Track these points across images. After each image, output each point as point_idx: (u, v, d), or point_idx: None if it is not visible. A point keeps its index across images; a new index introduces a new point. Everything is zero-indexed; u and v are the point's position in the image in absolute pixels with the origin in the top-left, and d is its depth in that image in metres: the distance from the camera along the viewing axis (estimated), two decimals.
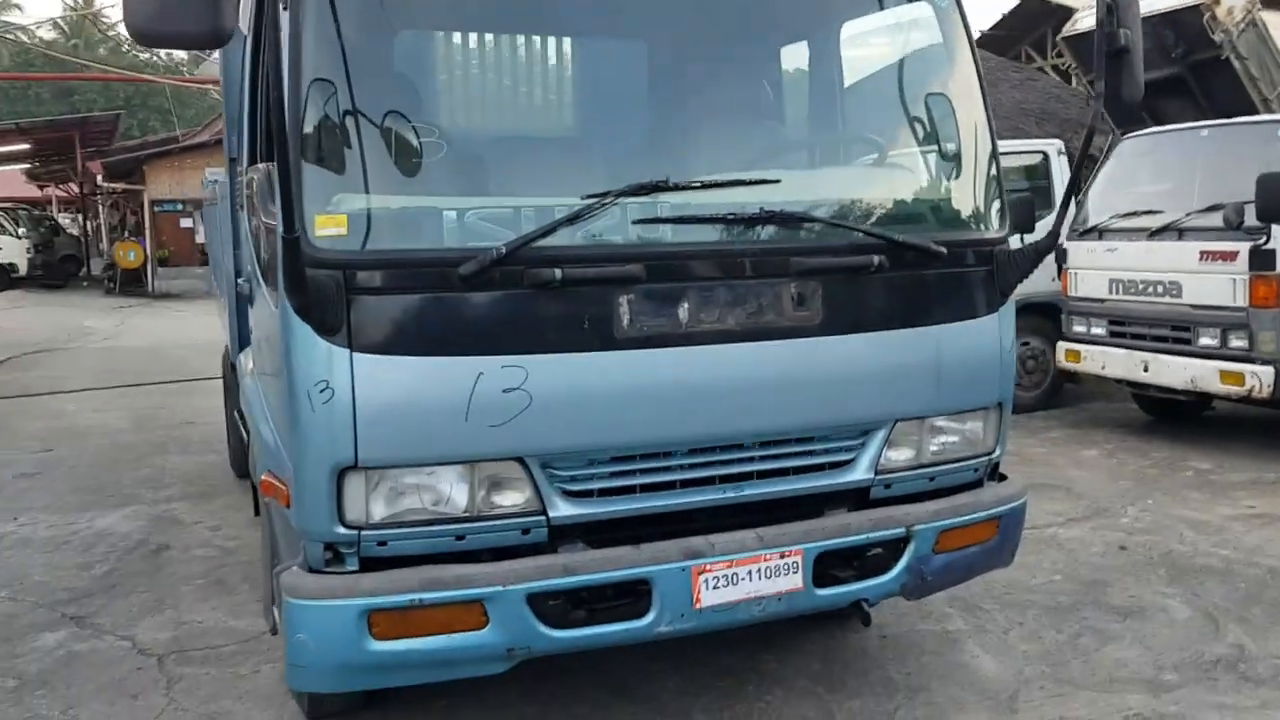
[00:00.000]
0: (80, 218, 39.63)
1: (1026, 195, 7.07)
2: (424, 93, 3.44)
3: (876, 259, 3.43)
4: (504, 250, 2.98)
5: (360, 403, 2.96)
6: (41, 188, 42.55)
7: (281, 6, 3.01)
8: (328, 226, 2.94)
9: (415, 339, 3.02)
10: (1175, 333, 8.02)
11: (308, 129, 2.95)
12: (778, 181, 3.43)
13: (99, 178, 33.11)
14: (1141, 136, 9.18)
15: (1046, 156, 9.86)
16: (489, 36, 3.89)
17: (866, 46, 4.12)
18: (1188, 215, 7.95)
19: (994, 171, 3.79)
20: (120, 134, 34.05)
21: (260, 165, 3.33)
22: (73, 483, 7.98)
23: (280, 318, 3.07)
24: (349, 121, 3.02)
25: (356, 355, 2.96)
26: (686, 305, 3.24)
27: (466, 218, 3.15)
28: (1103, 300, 8.62)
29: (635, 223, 3.23)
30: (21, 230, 33.07)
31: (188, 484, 7.83)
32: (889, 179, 3.92)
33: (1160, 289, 8.08)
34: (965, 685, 4.29)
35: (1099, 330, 8.69)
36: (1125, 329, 8.44)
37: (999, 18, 19.71)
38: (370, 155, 3.05)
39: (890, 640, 4.73)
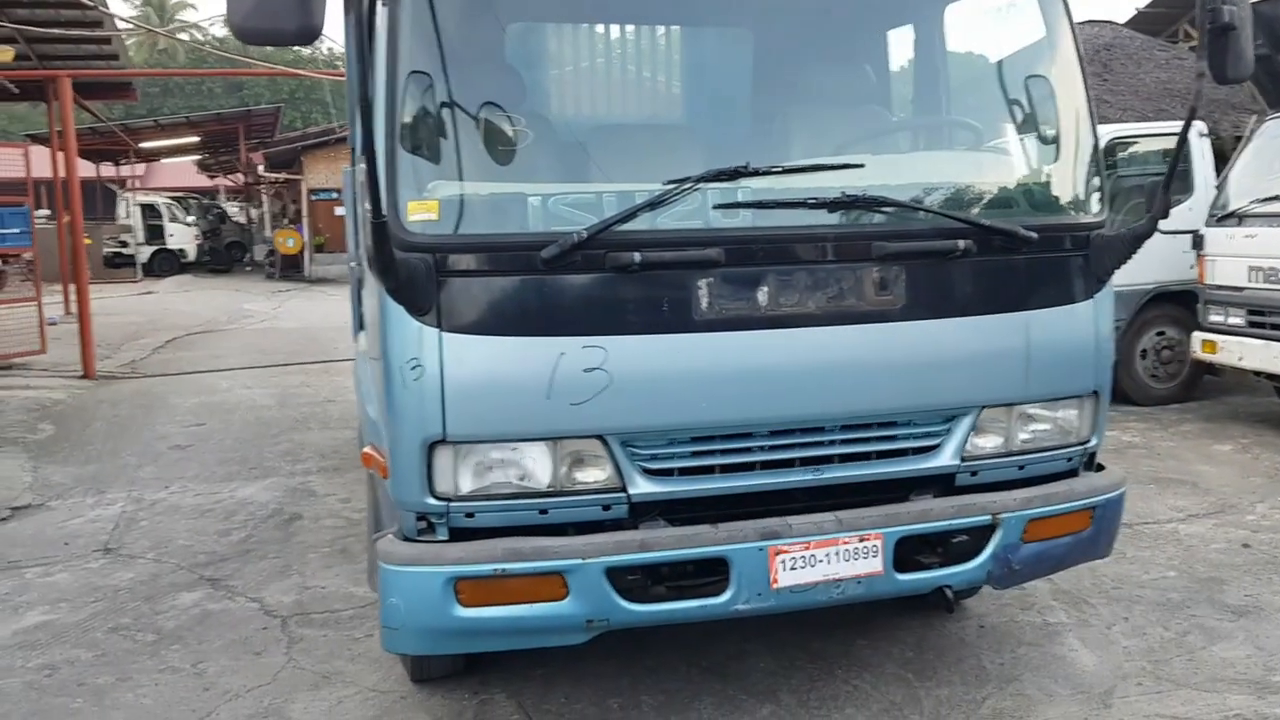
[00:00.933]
0: (245, 206, 41.60)
1: (1156, 180, 6.78)
2: (512, 82, 3.56)
3: (962, 244, 3.41)
4: (585, 234, 3.08)
5: (448, 380, 3.12)
6: (211, 178, 44.83)
7: (380, 3, 3.20)
8: (419, 212, 3.10)
9: (500, 319, 3.16)
10: None
11: (403, 119, 3.12)
12: (861, 166, 3.44)
13: (261, 168, 34.68)
14: None
15: (1188, 138, 9.44)
16: (578, 26, 3.99)
17: (965, 29, 4.08)
18: None
19: (1092, 156, 3.72)
20: (282, 126, 35.59)
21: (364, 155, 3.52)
22: (220, 455, 8.49)
23: (377, 299, 3.25)
24: (442, 112, 3.18)
25: (445, 335, 3.11)
26: (766, 289, 3.29)
27: (550, 203, 3.26)
28: (1241, 289, 8.24)
29: (715, 207, 3.29)
30: (191, 218, 35.05)
31: (323, 458, 8.25)
32: (981, 163, 3.89)
33: None
34: (1059, 678, 4.23)
35: (1237, 320, 8.30)
36: (1265, 319, 8.05)
37: None
38: (460, 143, 3.20)
39: (988, 630, 4.69)
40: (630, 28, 4.24)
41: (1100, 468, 3.93)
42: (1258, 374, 8.44)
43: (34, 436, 9.29)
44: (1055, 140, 3.77)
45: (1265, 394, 9.46)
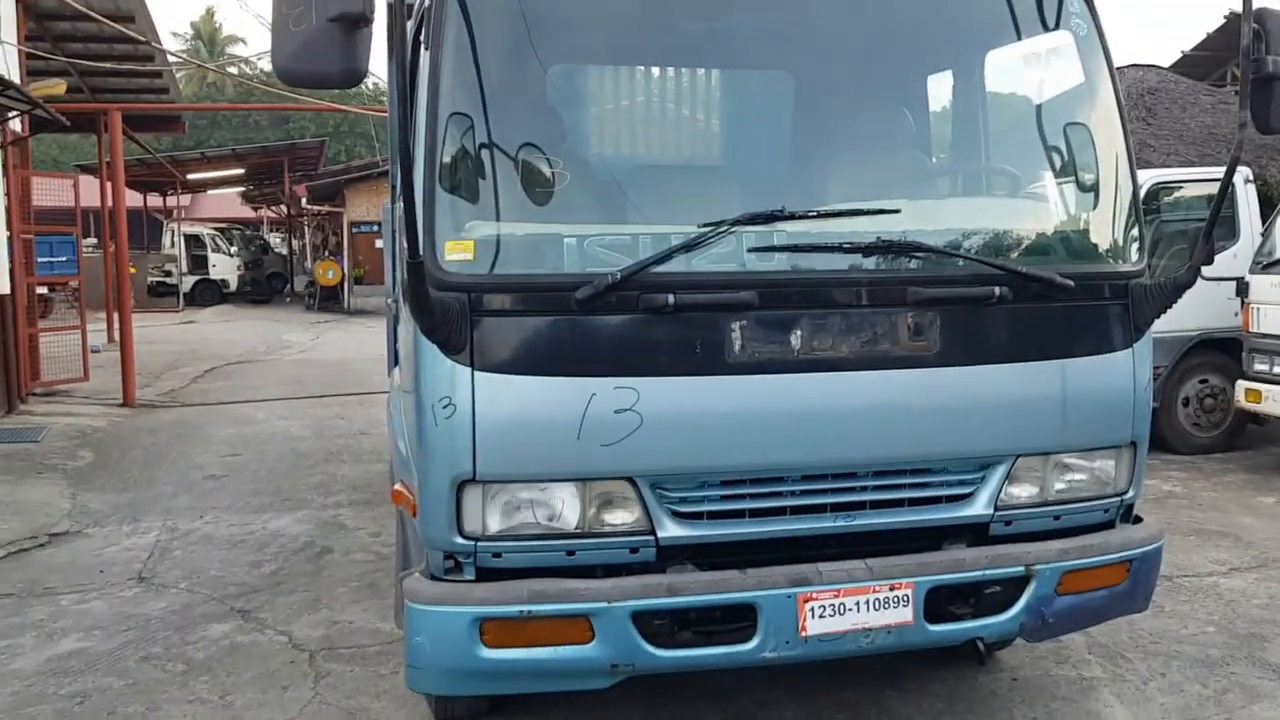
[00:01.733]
0: (287, 237, 42.16)
1: (1199, 228, 6.71)
2: (550, 123, 3.58)
3: (998, 290, 3.38)
4: (619, 276, 3.09)
5: (480, 419, 3.12)
6: (255, 209, 45.50)
7: (423, 47, 3.24)
8: (456, 252, 3.12)
9: (533, 359, 3.16)
10: None
11: (443, 159, 3.14)
12: (897, 211, 3.43)
13: (304, 200, 35.15)
14: None
15: (1233, 185, 9.35)
16: (618, 68, 4.02)
17: (1004, 75, 4.07)
18: None
19: (1131, 203, 3.68)
20: (326, 159, 36.10)
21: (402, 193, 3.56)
22: (254, 485, 8.55)
23: (411, 336, 3.27)
24: (481, 153, 3.21)
25: (478, 374, 3.11)
26: (800, 332, 3.28)
27: (586, 244, 3.27)
28: None
29: (750, 251, 3.28)
30: (234, 249, 35.54)
31: (355, 491, 8.28)
32: (1019, 209, 3.86)
33: None
34: None
35: None
36: None
37: (1202, 37, 18.84)
38: (498, 184, 3.23)
39: (1021, 683, 4.60)
40: (670, 70, 4.26)
41: (1138, 519, 3.86)
42: None
43: (73, 463, 9.40)
44: (1094, 187, 3.74)
45: None
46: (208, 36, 56.36)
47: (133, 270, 14.70)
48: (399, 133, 2.92)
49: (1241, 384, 8.60)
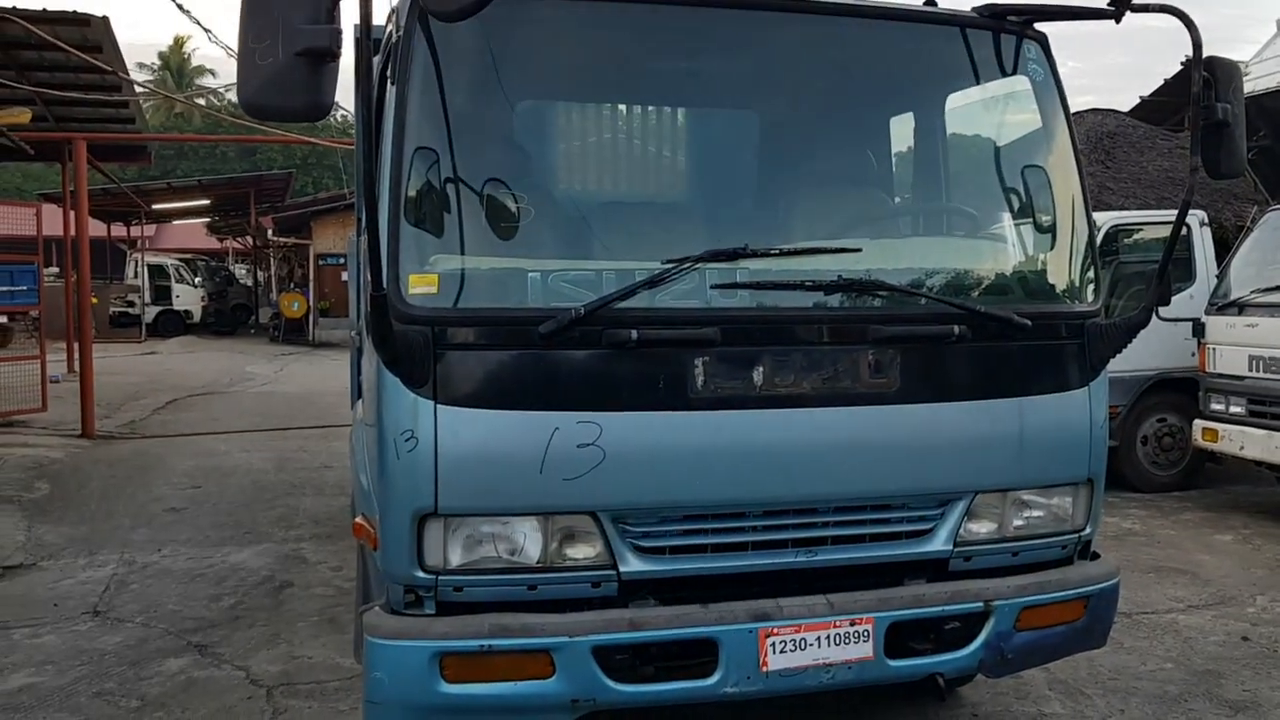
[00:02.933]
0: (253, 269, 41.91)
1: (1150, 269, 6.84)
2: (516, 159, 3.61)
3: (957, 329, 3.43)
4: (583, 311, 3.10)
5: (442, 452, 3.11)
6: (220, 240, 45.21)
7: (390, 82, 3.26)
8: (420, 285, 3.13)
9: (496, 393, 3.17)
10: None
11: (408, 194, 3.15)
12: (858, 250, 3.48)
13: (270, 232, 34.98)
14: None
15: (1188, 227, 9.54)
16: (585, 105, 4.06)
17: (964, 118, 4.15)
18: None
19: (1087, 245, 3.75)
20: (293, 191, 35.99)
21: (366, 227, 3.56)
22: (214, 519, 8.45)
23: (374, 369, 3.26)
24: (446, 188, 3.22)
25: (440, 407, 3.11)
26: (762, 369, 3.30)
27: (550, 279, 3.28)
28: (1242, 378, 8.27)
29: (713, 287, 3.31)
30: (198, 280, 35.30)
31: (317, 525, 8.21)
32: (977, 249, 3.93)
33: None
34: None
35: (1238, 409, 8.32)
36: (1266, 409, 8.07)
37: (1160, 84, 19.21)
38: (462, 218, 3.24)
39: (982, 718, 4.62)
40: (636, 108, 4.30)
41: (1095, 556, 3.90)
42: (1259, 463, 8.43)
43: (30, 495, 9.26)
44: (1051, 229, 3.81)
45: (1267, 483, 9.42)
46: (175, 67, 56.18)
47: (95, 300, 14.56)
48: (364, 165, 2.94)
49: (1199, 423, 8.73)
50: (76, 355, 14.52)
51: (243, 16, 2.82)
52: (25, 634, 5.70)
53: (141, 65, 52.68)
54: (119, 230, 35.56)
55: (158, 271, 33.58)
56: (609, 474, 3.19)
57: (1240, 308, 8.35)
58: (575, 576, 3.28)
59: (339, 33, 2.84)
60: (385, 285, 2.94)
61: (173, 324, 32.79)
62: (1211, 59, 3.59)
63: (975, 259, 3.86)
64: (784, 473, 3.36)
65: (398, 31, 3.25)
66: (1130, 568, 6.62)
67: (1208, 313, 8.67)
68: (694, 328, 3.25)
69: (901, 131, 4.34)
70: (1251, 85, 3.43)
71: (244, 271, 44.27)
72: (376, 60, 3.52)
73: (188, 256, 37.84)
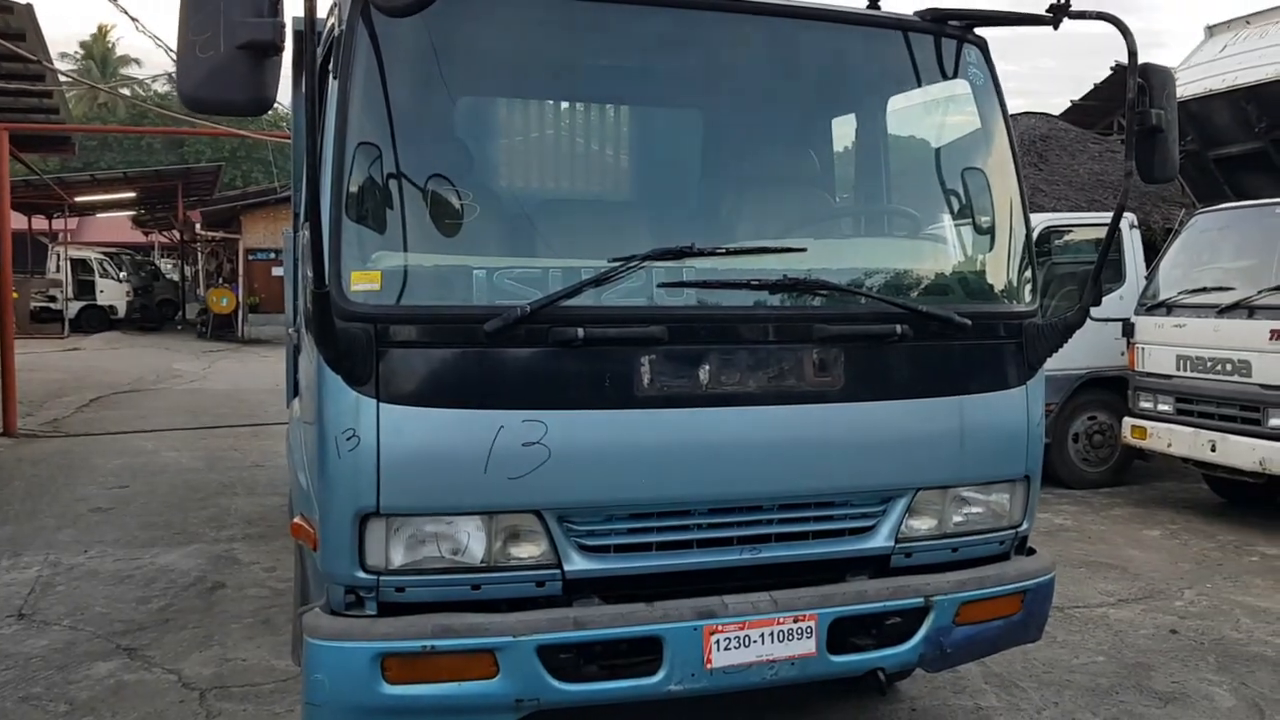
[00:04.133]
0: (180, 264, 41.11)
1: (1088, 270, 6.98)
2: (460, 155, 3.57)
3: (899, 328, 3.46)
4: (529, 309, 3.08)
5: (384, 451, 3.07)
6: (146, 234, 44.27)
7: (331, 76, 3.21)
8: (362, 282, 3.08)
9: (440, 391, 3.13)
10: (1244, 412, 7.85)
11: (350, 189, 3.10)
12: (803, 249, 3.51)
13: (198, 225, 34.34)
14: (1214, 212, 9.07)
15: (1119, 229, 9.73)
16: (528, 102, 4.03)
17: (905, 120, 4.19)
18: (1259, 293, 7.83)
19: (1025, 246, 3.81)
20: (222, 184, 35.33)
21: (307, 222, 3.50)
22: (143, 519, 8.27)
23: (315, 367, 3.21)
24: (389, 184, 3.17)
25: (383, 405, 3.06)
26: (708, 367, 3.30)
27: (495, 277, 3.25)
28: (1170, 377, 8.48)
29: (659, 286, 3.31)
30: (123, 274, 34.54)
31: (249, 525, 8.07)
32: (919, 250, 3.97)
33: (1229, 367, 7.94)
34: None
35: (1166, 407, 8.54)
36: (1193, 407, 8.29)
37: (1090, 88, 19.61)
38: (406, 215, 3.19)
39: (920, 713, 4.68)
40: (581, 105, 4.29)
41: (1031, 551, 3.97)
42: (1186, 460, 8.64)
43: None
44: (990, 230, 3.86)
45: (1194, 480, 9.66)
46: (100, 57, 54.80)
47: (15, 295, 14.15)
48: (307, 160, 2.88)
49: (1128, 421, 8.94)
50: None
51: (183, 9, 2.76)
52: None
53: (64, 55, 51.43)
54: (40, 224, 34.64)
55: (81, 266, 32.79)
56: (554, 472, 3.17)
57: (1168, 308, 8.56)
58: (519, 576, 3.26)
59: (282, 26, 2.79)
60: (327, 281, 2.90)
61: (97, 320, 32.06)
62: (1146, 65, 3.65)
63: (917, 259, 3.90)
64: (729, 470, 3.36)
65: (340, 25, 3.20)
66: (1062, 563, 6.73)
67: (1137, 313, 8.87)
68: (640, 326, 3.23)
69: (844, 133, 4.37)
70: (1180, 91, 3.50)
71: (171, 266, 43.43)
72: (319, 53, 3.45)
73: (112, 250, 36.98)
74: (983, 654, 3.99)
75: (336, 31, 3.25)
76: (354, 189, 3.11)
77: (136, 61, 55.58)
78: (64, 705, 4.70)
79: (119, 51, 56.11)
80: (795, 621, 3.40)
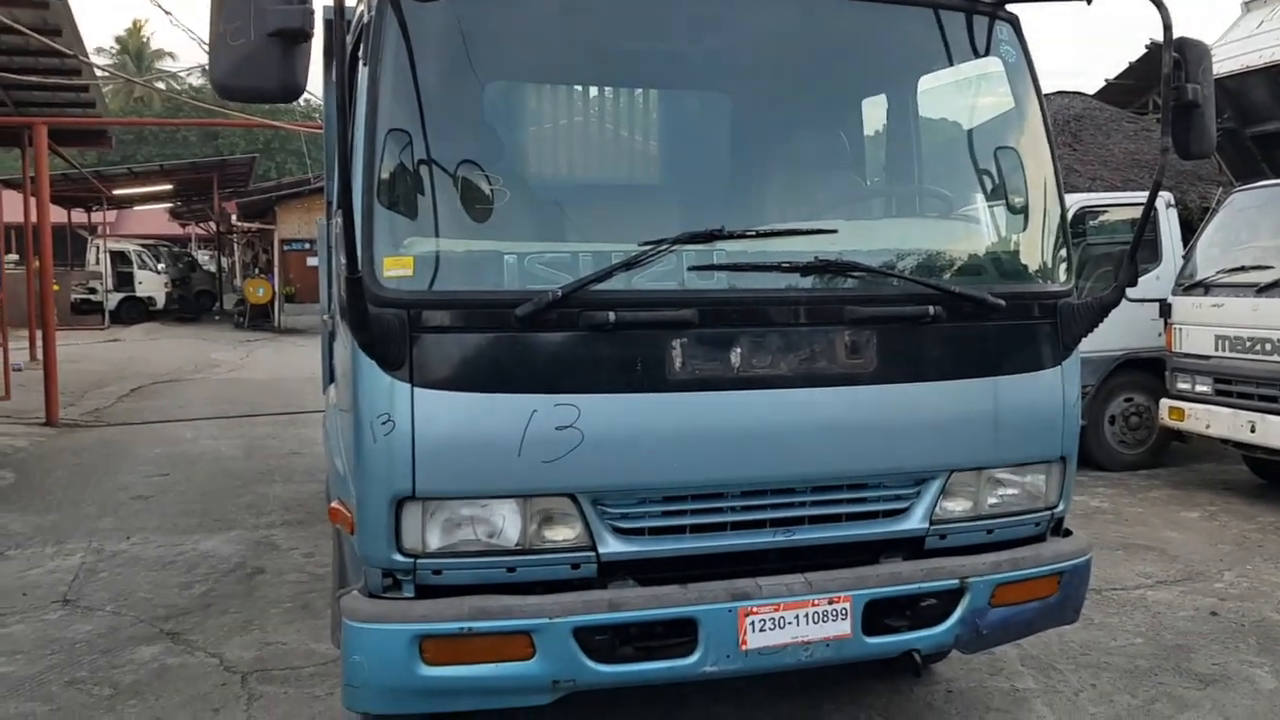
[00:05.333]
0: (216, 255, 41.49)
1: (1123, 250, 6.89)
2: (490, 140, 3.59)
3: (932, 309, 3.45)
4: (560, 293, 3.09)
5: (419, 436, 3.10)
6: (183, 226, 44.74)
7: (361, 63, 3.23)
8: (395, 268, 3.11)
9: (473, 376, 3.15)
10: None
11: (382, 175, 3.12)
12: (834, 231, 3.48)
13: (234, 217, 34.63)
14: (1252, 189, 8.94)
15: (1155, 209, 9.62)
16: (557, 86, 4.04)
17: (937, 100, 4.16)
18: None
19: (1060, 226, 3.78)
20: (256, 176, 35.61)
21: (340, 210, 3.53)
22: (183, 506, 8.38)
23: (350, 353, 3.24)
24: (420, 170, 3.19)
25: (417, 390, 3.09)
26: (739, 350, 3.30)
27: (526, 261, 3.27)
28: (1208, 357, 8.37)
29: (690, 269, 3.31)
30: (161, 266, 34.90)
31: (287, 511, 8.17)
32: (951, 230, 3.94)
33: (1269, 347, 7.83)
34: None
35: (1204, 388, 8.43)
36: (1231, 387, 8.18)
37: (1125, 66, 19.35)
38: (437, 200, 3.22)
39: (956, 695, 4.67)
40: (610, 89, 4.29)
41: (1068, 533, 3.94)
42: (1225, 441, 8.53)
43: None
44: (1024, 209, 3.83)
45: (1233, 461, 9.55)
46: (135, 51, 55.36)
47: (56, 287, 14.35)
48: (339, 147, 2.91)
49: (1165, 402, 8.84)
50: (39, 343, 14.33)
51: None
52: None
53: (100, 50, 51.98)
54: (79, 217, 35.06)
55: (120, 258, 33.17)
56: (587, 456, 3.18)
57: (1206, 288, 8.45)
58: (554, 558, 3.28)
59: (311, 13, 2.82)
60: (360, 268, 2.93)
61: (136, 311, 32.44)
62: (1182, 40, 3.61)
63: (949, 240, 3.88)
64: (762, 453, 3.37)
65: (369, 11, 3.23)
66: (1099, 545, 6.66)
67: (1174, 293, 8.77)
68: (671, 309, 3.24)
69: (874, 113, 4.35)
70: (1216, 68, 3.46)
71: (207, 257, 43.83)
72: (349, 39, 3.48)
73: (150, 242, 37.38)
74: (1019, 636, 3.98)
75: (366, 18, 3.27)
76: (385, 175, 3.14)
77: (171, 55, 56.11)
78: (109, 689, 4.79)
79: (154, 45, 56.65)
80: (830, 603, 3.40)
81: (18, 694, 4.72)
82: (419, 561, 3.20)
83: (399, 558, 3.18)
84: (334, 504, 3.73)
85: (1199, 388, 8.49)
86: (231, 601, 6.00)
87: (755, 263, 3.36)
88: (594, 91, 4.30)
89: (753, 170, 3.97)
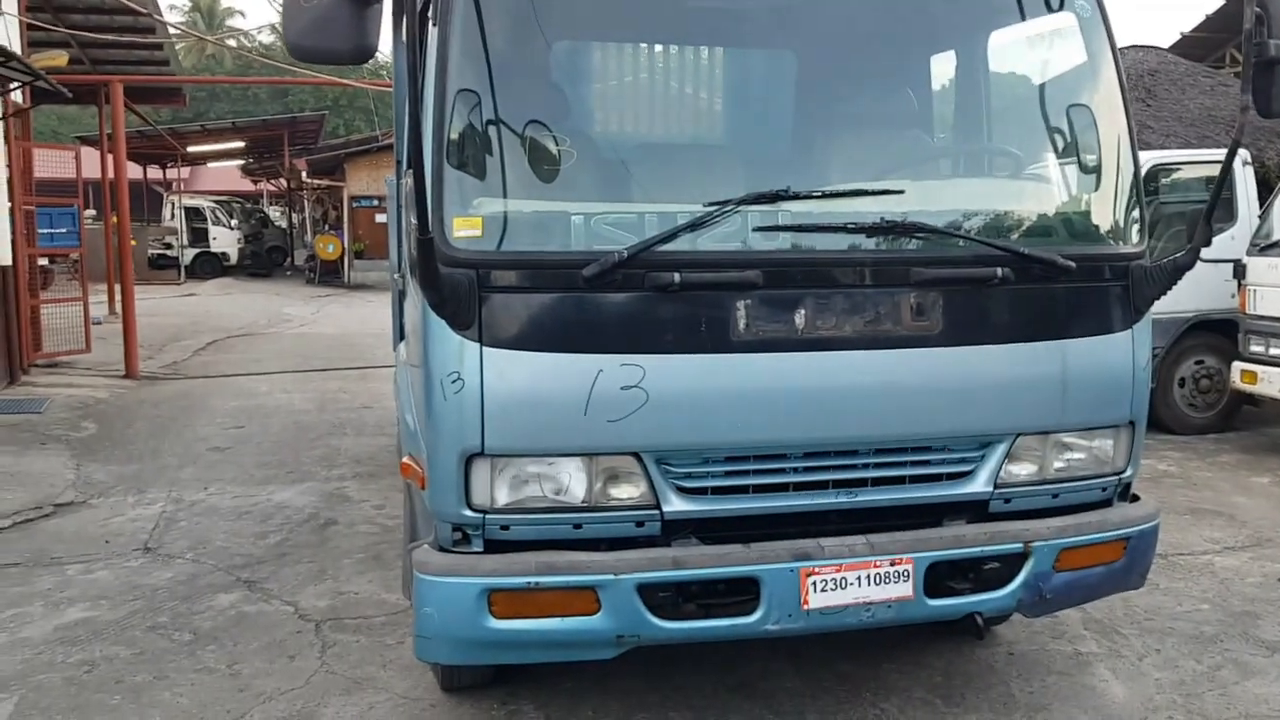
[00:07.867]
0: (287, 211, 42.07)
1: (1197, 210, 6.73)
2: (557, 101, 3.61)
3: (1000, 271, 3.42)
4: (626, 254, 3.12)
5: (488, 394, 3.16)
6: (254, 182, 45.38)
7: (431, 23, 3.26)
8: (464, 228, 3.16)
9: (540, 336, 3.20)
10: None
11: (451, 136, 3.17)
12: (901, 191, 3.47)
13: (304, 174, 35.04)
14: None
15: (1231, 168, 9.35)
16: (623, 46, 4.04)
17: (1007, 56, 4.10)
18: None
19: (1132, 185, 3.72)
20: (325, 133, 35.99)
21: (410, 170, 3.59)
22: (258, 458, 8.60)
23: (420, 312, 3.31)
24: (489, 130, 3.23)
25: (486, 349, 3.15)
26: (803, 311, 3.31)
27: (593, 222, 3.31)
28: None
29: (755, 230, 3.32)
30: (234, 222, 35.52)
31: (358, 464, 8.35)
32: (1021, 190, 3.89)
33: None
34: (1088, 708, 4.21)
35: (1278, 351, 8.24)
36: None
37: (1201, 19, 18.79)
38: (506, 161, 3.26)
39: (1018, 657, 4.67)
40: (675, 48, 4.28)
41: (1135, 498, 3.91)
42: None
43: (77, 434, 9.45)
44: (1096, 169, 3.78)
45: None
46: (206, 9, 56.05)
47: (134, 243, 14.67)
48: (409, 108, 2.96)
49: (1237, 365, 8.66)
50: (118, 297, 14.69)
51: None
52: (79, 570, 5.86)
53: (173, 8, 52.67)
54: (154, 173, 35.73)
55: (194, 214, 33.78)
56: (652, 416, 3.23)
57: None
58: (619, 516, 3.34)
59: None
60: (431, 228, 2.98)
61: (210, 266, 33.07)
62: None
63: (1018, 200, 3.83)
64: (825, 415, 3.38)
65: None
66: (1167, 509, 6.58)
67: (1249, 254, 8.55)
68: (736, 270, 3.26)
69: (944, 71, 4.29)
70: None
71: (279, 214, 44.45)
72: (418, 0, 3.51)
73: (223, 199, 38.03)
74: (1083, 600, 3.97)
75: None
76: (454, 136, 3.18)
77: (241, 13, 56.81)
78: (188, 634, 4.97)
79: (224, 3, 57.24)
80: (891, 565, 3.43)
81: (102, 637, 4.91)
82: (487, 517, 3.27)
83: (468, 513, 3.26)
84: (405, 459, 3.83)
85: (1273, 351, 8.29)
86: (305, 551, 6.17)
87: (820, 224, 3.36)
88: (660, 50, 4.29)
89: (818, 130, 3.95)
